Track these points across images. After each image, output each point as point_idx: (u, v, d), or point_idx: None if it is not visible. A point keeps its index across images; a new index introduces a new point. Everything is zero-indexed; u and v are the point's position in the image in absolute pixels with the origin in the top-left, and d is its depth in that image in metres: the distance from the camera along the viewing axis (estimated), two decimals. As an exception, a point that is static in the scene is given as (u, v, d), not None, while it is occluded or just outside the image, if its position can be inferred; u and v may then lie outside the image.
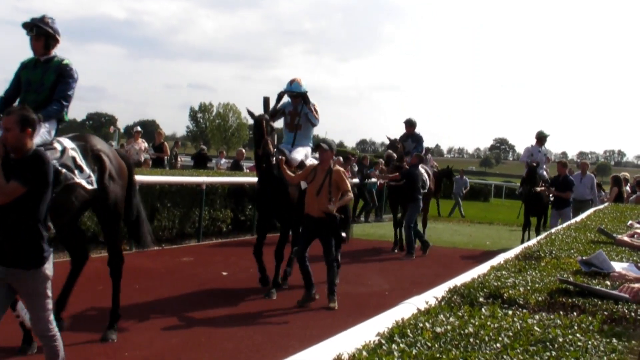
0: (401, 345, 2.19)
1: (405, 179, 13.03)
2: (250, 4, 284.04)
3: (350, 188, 8.56)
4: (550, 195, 14.98)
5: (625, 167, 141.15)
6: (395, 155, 13.58)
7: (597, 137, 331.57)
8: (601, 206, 11.42)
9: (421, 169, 13.67)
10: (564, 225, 7.54)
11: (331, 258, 8.48)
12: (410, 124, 14.51)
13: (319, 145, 8.53)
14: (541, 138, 16.08)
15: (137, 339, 6.55)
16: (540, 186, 14.90)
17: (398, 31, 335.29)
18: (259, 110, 9.21)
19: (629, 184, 15.80)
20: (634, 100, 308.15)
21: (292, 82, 9.66)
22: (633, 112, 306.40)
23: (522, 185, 15.84)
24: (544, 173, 15.86)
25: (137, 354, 6.12)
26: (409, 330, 2.36)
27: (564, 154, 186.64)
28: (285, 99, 9.85)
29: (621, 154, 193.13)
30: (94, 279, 7.97)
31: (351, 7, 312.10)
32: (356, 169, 20.90)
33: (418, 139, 14.44)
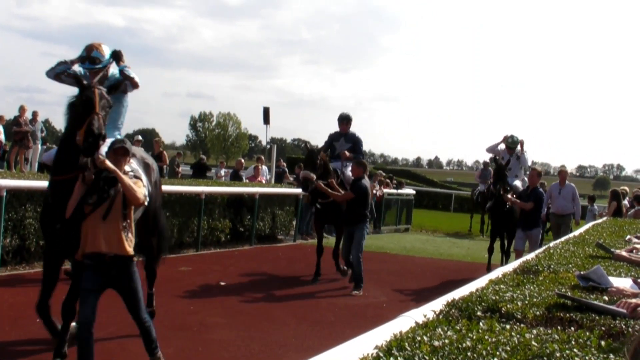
0: (399, 358, 2.20)
1: (354, 193, 10.52)
2: (249, 13, 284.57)
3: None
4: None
5: (624, 181, 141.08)
6: (312, 176, 10.63)
7: (596, 151, 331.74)
8: (599, 220, 11.43)
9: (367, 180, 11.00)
10: (562, 239, 7.51)
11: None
12: (344, 120, 11.74)
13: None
14: (509, 147, 13.61)
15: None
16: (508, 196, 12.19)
17: (396, 41, 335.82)
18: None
19: (627, 198, 15.79)
20: (633, 115, 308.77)
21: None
22: (632, 126, 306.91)
23: (489, 193, 13.41)
24: (517, 183, 13.16)
25: (133, 363, 6.10)
26: (406, 344, 2.36)
27: (563, 167, 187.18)
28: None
29: (620, 167, 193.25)
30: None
31: (349, 18, 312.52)
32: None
33: (355, 140, 11.76)
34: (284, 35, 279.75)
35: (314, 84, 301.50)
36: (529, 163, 13.88)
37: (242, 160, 22.06)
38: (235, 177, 19.78)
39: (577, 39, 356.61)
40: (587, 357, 2.32)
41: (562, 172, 15.55)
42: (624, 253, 5.19)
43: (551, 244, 6.56)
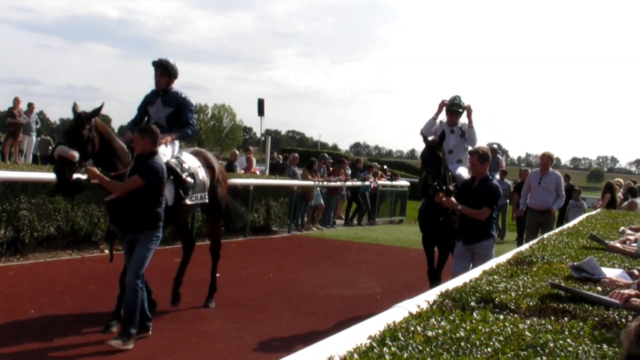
0: (392, 348, 2.20)
1: (140, 176, 6.93)
2: (243, 5, 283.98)
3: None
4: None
5: (618, 173, 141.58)
6: (72, 154, 6.54)
7: (590, 143, 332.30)
8: (594, 212, 11.41)
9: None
10: (556, 230, 7.50)
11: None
12: (161, 69, 7.81)
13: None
14: (451, 112, 9.12)
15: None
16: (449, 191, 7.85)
17: (392, 33, 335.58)
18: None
19: (621, 190, 15.80)
20: (627, 107, 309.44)
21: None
22: (626, 118, 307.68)
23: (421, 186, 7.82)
24: (462, 171, 8.73)
25: (127, 354, 6.10)
26: (400, 334, 2.36)
27: (558, 160, 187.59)
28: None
29: (614, 160, 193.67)
30: (87, 279, 7.96)
31: (344, 9, 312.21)
32: (349, 172, 20.90)
33: (179, 103, 7.91)
34: (279, 27, 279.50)
35: (309, 76, 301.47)
36: (477, 141, 8.99)
37: (237, 152, 22.01)
38: (229, 168, 19.75)
39: (572, 32, 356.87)
40: (580, 347, 2.33)
41: (544, 157, 11.79)
42: (617, 244, 5.21)
43: (545, 235, 6.55)
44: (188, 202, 7.41)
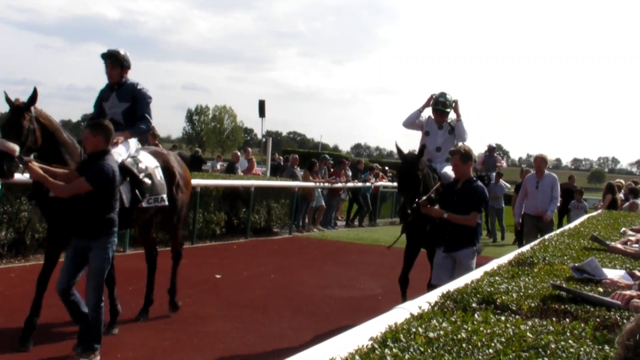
0: (394, 350, 2.20)
1: (88, 180, 6.04)
2: (244, 5, 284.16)
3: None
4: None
5: (619, 174, 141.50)
6: (12, 147, 5.95)
7: (591, 144, 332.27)
8: (595, 213, 11.40)
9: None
10: (557, 231, 7.50)
11: None
12: (111, 60, 7.24)
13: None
14: (438, 112, 8.30)
15: (130, 340, 6.55)
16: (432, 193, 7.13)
17: (393, 33, 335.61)
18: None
19: (622, 191, 15.78)
20: (627, 108, 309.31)
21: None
22: (627, 119, 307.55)
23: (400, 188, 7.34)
24: (449, 170, 7.67)
25: (129, 355, 6.11)
26: (401, 335, 2.36)
27: (559, 161, 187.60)
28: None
29: (615, 160, 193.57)
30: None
31: (345, 9, 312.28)
32: (350, 173, 20.90)
33: (136, 96, 7.33)
34: (279, 27, 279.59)
35: (310, 76, 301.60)
36: (467, 136, 8.30)
37: (238, 153, 22.00)
38: (230, 170, 19.75)
39: (572, 32, 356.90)
40: (582, 349, 2.33)
41: (537, 160, 11.31)
42: (619, 245, 5.21)
43: (546, 236, 6.55)
44: (144, 204, 6.94)
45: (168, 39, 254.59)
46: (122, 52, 7.24)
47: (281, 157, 26.27)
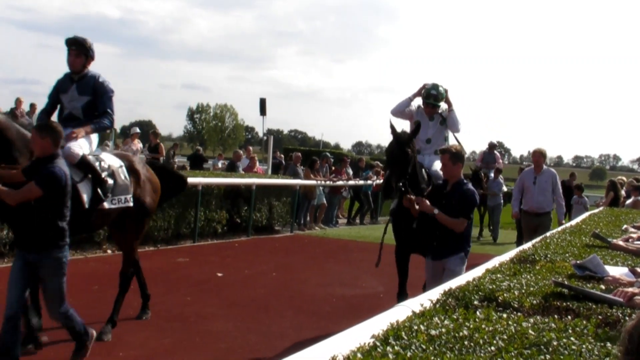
0: (396, 347, 2.19)
1: (38, 184, 5.48)
2: (244, 4, 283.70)
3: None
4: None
5: (621, 171, 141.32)
6: None
7: (592, 142, 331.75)
8: (596, 210, 11.37)
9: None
10: (559, 229, 7.50)
11: None
12: (76, 46, 6.74)
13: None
14: (429, 104, 7.77)
15: (131, 339, 6.55)
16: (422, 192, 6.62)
17: (393, 33, 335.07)
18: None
19: (624, 188, 15.76)
20: (629, 105, 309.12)
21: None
22: (628, 116, 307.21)
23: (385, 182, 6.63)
24: (440, 169, 6.90)
25: (130, 354, 6.12)
26: (403, 333, 2.36)
27: (560, 158, 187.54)
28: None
29: (616, 158, 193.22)
30: (90, 279, 7.97)
31: (345, 8, 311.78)
32: (351, 171, 20.90)
33: (97, 90, 6.79)
34: (280, 26, 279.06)
35: (310, 75, 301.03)
36: (460, 126, 7.89)
37: (240, 152, 21.97)
38: (232, 168, 19.75)
39: (572, 31, 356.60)
40: (584, 346, 2.32)
41: (535, 154, 10.75)
42: (620, 242, 5.21)
43: (548, 234, 6.54)
44: (107, 205, 6.38)
45: (168, 38, 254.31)
46: (89, 41, 6.73)
47: (282, 155, 26.27)
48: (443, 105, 7.87)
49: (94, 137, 6.72)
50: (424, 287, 6.66)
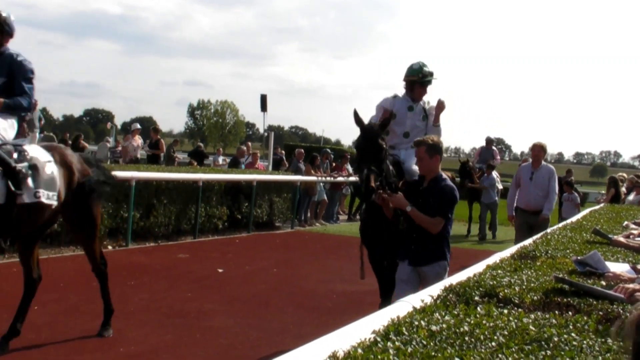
0: (396, 343, 2.19)
1: None
2: (245, 0, 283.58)
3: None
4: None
5: (622, 167, 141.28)
6: None
7: (593, 138, 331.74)
8: (597, 207, 11.37)
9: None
10: (559, 225, 7.50)
11: None
12: None
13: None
14: (416, 83, 6.92)
15: (132, 335, 6.55)
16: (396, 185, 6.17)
17: (393, 29, 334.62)
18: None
19: (625, 185, 15.76)
20: (630, 102, 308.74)
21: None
22: (629, 113, 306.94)
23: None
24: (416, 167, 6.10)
25: (131, 350, 6.12)
26: (404, 328, 2.36)
27: (561, 155, 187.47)
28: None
29: (617, 154, 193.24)
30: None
31: (345, 5, 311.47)
32: (351, 167, 20.88)
33: (15, 67, 6.01)
34: (280, 23, 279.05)
35: (311, 72, 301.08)
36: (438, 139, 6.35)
37: (244, 148, 21.94)
38: (235, 165, 19.77)
39: (572, 31, 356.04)
40: (584, 342, 2.32)
41: (535, 148, 10.14)
42: (621, 239, 5.21)
43: (548, 230, 6.54)
44: (26, 199, 5.56)
45: (170, 35, 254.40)
46: (4, 14, 5.91)
47: (283, 152, 26.25)
48: (432, 102, 7.07)
49: (10, 121, 5.92)
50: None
